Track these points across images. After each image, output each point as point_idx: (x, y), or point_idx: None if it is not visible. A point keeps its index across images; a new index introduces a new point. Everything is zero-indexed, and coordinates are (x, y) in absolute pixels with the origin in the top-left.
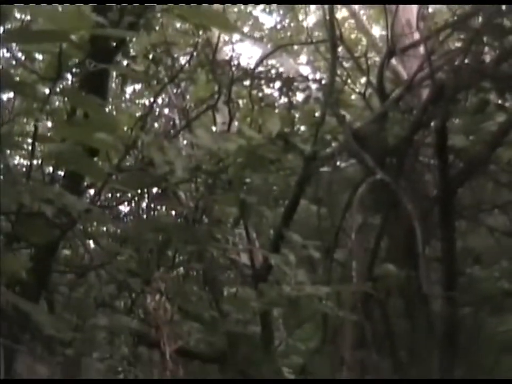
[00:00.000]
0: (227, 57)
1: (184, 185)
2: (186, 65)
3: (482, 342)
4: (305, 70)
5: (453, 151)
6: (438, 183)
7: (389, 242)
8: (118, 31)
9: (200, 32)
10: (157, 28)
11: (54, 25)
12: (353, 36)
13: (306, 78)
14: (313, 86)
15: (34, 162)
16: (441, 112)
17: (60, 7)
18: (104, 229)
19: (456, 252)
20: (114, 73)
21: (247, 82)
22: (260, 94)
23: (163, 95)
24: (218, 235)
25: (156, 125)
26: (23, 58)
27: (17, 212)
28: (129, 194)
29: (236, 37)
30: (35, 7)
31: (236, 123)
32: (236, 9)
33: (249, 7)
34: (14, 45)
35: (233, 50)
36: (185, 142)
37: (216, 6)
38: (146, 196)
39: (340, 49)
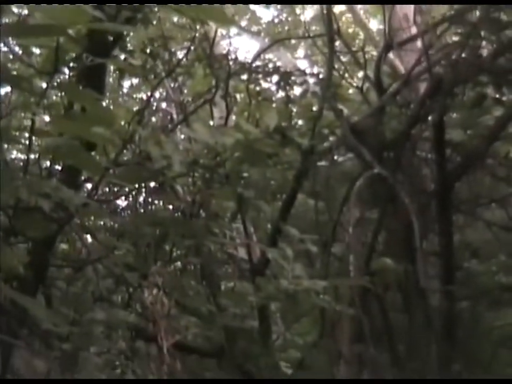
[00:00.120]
0: (224, 51)
1: (182, 180)
2: (184, 59)
3: (480, 336)
4: (303, 64)
5: (451, 145)
6: (436, 177)
7: (387, 237)
8: (115, 25)
9: (198, 26)
10: (154, 22)
11: (51, 20)
12: (350, 30)
13: (303, 72)
14: (311, 80)
15: (32, 156)
16: (438, 106)
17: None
18: (102, 223)
19: (454, 246)
20: (111, 68)
21: (244, 77)
22: (257, 88)
23: (160, 89)
24: (216, 229)
25: (153, 119)
26: (20, 52)
27: (15, 206)
28: (127, 189)
29: (233, 31)
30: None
31: (233, 117)
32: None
33: None
34: (11, 39)
35: (230, 44)
36: (182, 136)
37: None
38: (143, 190)
39: (337, 43)
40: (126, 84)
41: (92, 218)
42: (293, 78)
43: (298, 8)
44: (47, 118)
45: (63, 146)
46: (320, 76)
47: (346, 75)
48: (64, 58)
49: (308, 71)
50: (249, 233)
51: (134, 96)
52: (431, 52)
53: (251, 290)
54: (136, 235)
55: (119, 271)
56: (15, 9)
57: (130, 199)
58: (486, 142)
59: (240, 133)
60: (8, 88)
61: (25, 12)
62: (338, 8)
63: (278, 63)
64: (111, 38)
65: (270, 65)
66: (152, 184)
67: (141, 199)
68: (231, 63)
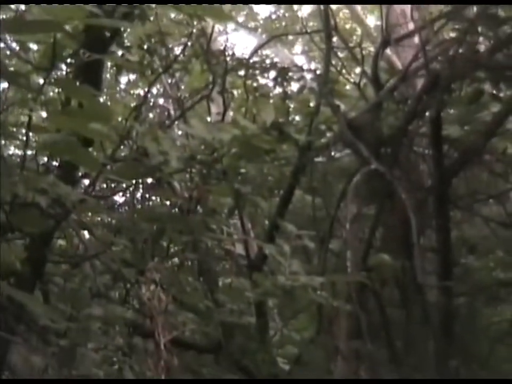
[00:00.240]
0: (222, 47)
1: (179, 175)
2: (181, 55)
3: (477, 332)
4: (300, 60)
5: (448, 141)
6: (433, 173)
7: (384, 232)
8: (112, 21)
9: (195, 22)
10: (151, 18)
11: (48, 16)
12: (348, 26)
13: (301, 68)
14: (308, 76)
15: (29, 152)
16: (436, 102)
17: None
18: (99, 219)
19: (451, 242)
20: (108, 64)
21: (241, 72)
22: (255, 84)
23: (158, 85)
24: (213, 225)
25: (151, 115)
26: (17, 48)
27: (12, 202)
28: (124, 185)
29: (231, 27)
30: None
31: (231, 113)
32: None
33: None
34: (8, 35)
35: (227, 40)
36: (179, 132)
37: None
38: (140, 186)
39: (334, 39)
40: (123, 79)
41: (89, 214)
42: (290, 74)
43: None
44: (44, 114)
45: (60, 142)
46: (318, 72)
47: (344, 71)
48: (61, 54)
49: (305, 67)
50: (246, 229)
51: (131, 92)
52: (428, 48)
53: (248, 286)
54: (134, 231)
55: (117, 267)
56: (12, 5)
57: (128, 195)
58: (484, 138)
59: (237, 129)
60: (5, 84)
61: (22, 7)
62: (335, 4)
63: (275, 59)
64: (108, 34)
65: (267, 61)
66: (149, 180)
67: (138, 195)
68: (228, 59)
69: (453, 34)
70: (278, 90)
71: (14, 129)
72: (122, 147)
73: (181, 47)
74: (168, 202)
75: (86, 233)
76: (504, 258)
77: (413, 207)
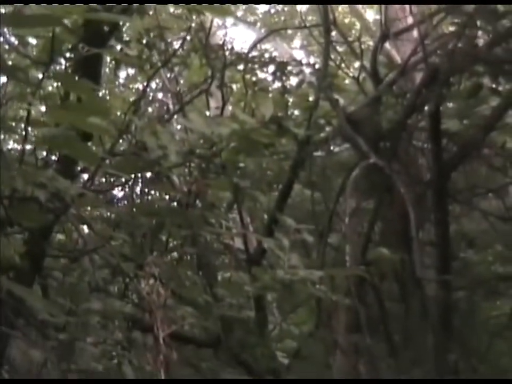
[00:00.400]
0: (220, 42)
1: (178, 170)
2: (180, 49)
3: (476, 326)
4: (299, 54)
5: (447, 135)
6: (432, 167)
7: (383, 226)
8: (111, 15)
9: (194, 17)
10: (150, 12)
11: (47, 10)
12: (347, 20)
13: (300, 62)
14: (307, 70)
15: (28, 146)
16: (434, 96)
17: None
18: (98, 213)
19: (450, 236)
20: (107, 58)
21: (240, 67)
22: (254, 78)
23: (156, 80)
24: (212, 219)
25: (149, 109)
26: (16, 43)
27: (11, 196)
28: (123, 179)
29: (230, 21)
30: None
31: (230, 107)
32: None
33: None
34: (7, 29)
35: (226, 34)
36: (178, 126)
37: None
38: (139, 180)
39: (333, 33)
40: (122, 74)
41: (88, 208)
42: (289, 68)
43: None
44: (43, 108)
45: (59, 137)
46: (316, 66)
47: (343, 65)
48: (60, 48)
49: (304, 61)
50: (245, 223)
51: (130, 86)
52: (427, 42)
53: (247, 280)
54: (133, 225)
55: (116, 261)
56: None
57: (127, 189)
58: (482, 132)
59: (236, 123)
60: (4, 79)
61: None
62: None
63: (274, 53)
64: (107, 28)
65: (266, 56)
66: (148, 174)
67: (137, 189)
68: (227, 53)
69: (451, 28)
70: (277, 84)
71: (13, 124)
72: (121, 141)
73: (180, 42)
74: (167, 197)
75: (85, 228)
76: (503, 252)
77: (412, 201)
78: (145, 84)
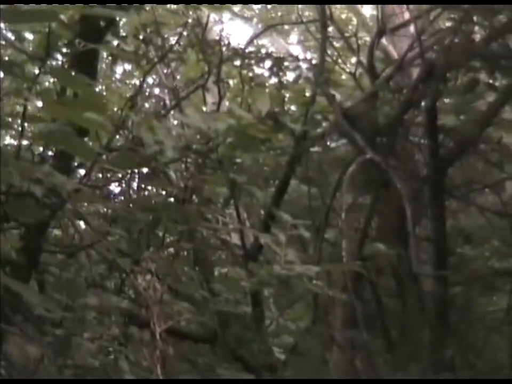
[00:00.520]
0: (217, 37)
1: (174, 165)
2: (176, 45)
3: (472, 321)
4: (296, 50)
5: (443, 131)
6: (428, 163)
7: (379, 222)
8: (107, 10)
9: (190, 12)
10: (147, 8)
11: (44, 5)
12: (343, 16)
13: (296, 58)
14: (304, 66)
15: (24, 142)
16: (431, 92)
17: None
18: (94, 208)
19: (447, 231)
20: (104, 53)
21: (237, 62)
22: (250, 74)
23: (153, 75)
24: (209, 215)
25: (146, 104)
26: (12, 38)
27: (7, 192)
28: (119, 174)
29: (226, 16)
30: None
31: (226, 103)
32: None
33: None
34: (3, 24)
35: (223, 29)
36: (175, 121)
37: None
38: (136, 175)
39: (330, 29)
40: (119, 69)
41: (85, 204)
42: (285, 63)
43: None
44: (39, 104)
45: (55, 132)
46: (313, 62)
47: (339, 61)
48: (57, 44)
49: (300, 56)
50: (242, 218)
51: (127, 81)
52: (424, 37)
53: (244, 275)
54: (129, 221)
55: (112, 256)
56: None
57: (123, 184)
58: (479, 127)
59: (233, 119)
60: (0, 74)
61: None
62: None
63: (271, 49)
64: (104, 24)
65: (263, 51)
66: (145, 169)
67: (134, 184)
68: (223, 48)
69: (448, 24)
70: (274, 80)
71: (9, 119)
72: (117, 137)
73: (176, 37)
74: (163, 192)
75: (81, 223)
76: (500, 247)
77: (409, 197)
78: (141, 79)
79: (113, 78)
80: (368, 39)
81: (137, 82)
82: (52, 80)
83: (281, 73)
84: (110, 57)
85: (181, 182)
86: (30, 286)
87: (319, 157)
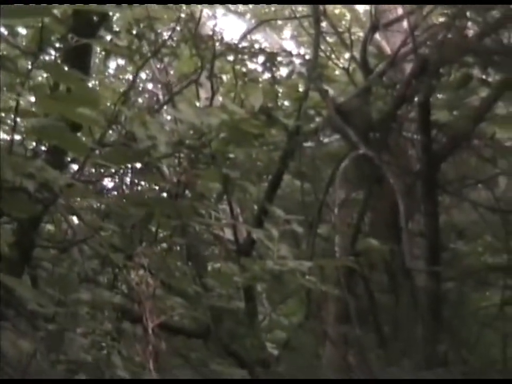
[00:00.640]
0: (210, 32)
1: (167, 160)
2: (169, 40)
3: (465, 317)
4: (289, 45)
5: (436, 126)
6: (421, 158)
7: (372, 217)
8: (100, 5)
9: (183, 7)
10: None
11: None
12: (337, 11)
13: (289, 53)
14: (297, 61)
15: (17, 137)
16: (424, 87)
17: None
18: (87, 204)
19: (440, 226)
20: (97, 48)
21: (230, 57)
22: (243, 69)
23: (146, 70)
24: (202, 210)
25: (139, 99)
26: (5, 33)
27: None
28: (112, 169)
29: (220, 11)
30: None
31: (219, 98)
32: None
33: None
34: None
35: (216, 25)
36: (168, 116)
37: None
38: (129, 170)
39: (323, 24)
40: (112, 64)
41: (78, 199)
42: (279, 58)
43: None
44: (32, 99)
45: (48, 127)
46: (306, 57)
47: (333, 56)
48: (50, 38)
49: (294, 52)
50: (235, 214)
51: (120, 77)
52: (417, 33)
53: (237, 271)
54: (122, 216)
55: (105, 251)
56: None
57: (116, 179)
58: (472, 122)
59: (226, 114)
60: None
61: None
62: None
63: (264, 44)
64: (97, 19)
65: (256, 46)
66: (138, 164)
67: (127, 179)
68: (217, 43)
69: (441, 19)
70: (267, 75)
71: (2, 114)
72: (110, 132)
73: (169, 32)
74: (156, 187)
75: (74, 218)
76: (493, 243)
77: (402, 192)
78: (134, 74)
79: (106, 73)
80: (361, 34)
81: (130, 77)
82: (44, 75)
83: (274, 69)
84: (103, 52)
85: (174, 177)
86: (23, 280)
87: (312, 152)
